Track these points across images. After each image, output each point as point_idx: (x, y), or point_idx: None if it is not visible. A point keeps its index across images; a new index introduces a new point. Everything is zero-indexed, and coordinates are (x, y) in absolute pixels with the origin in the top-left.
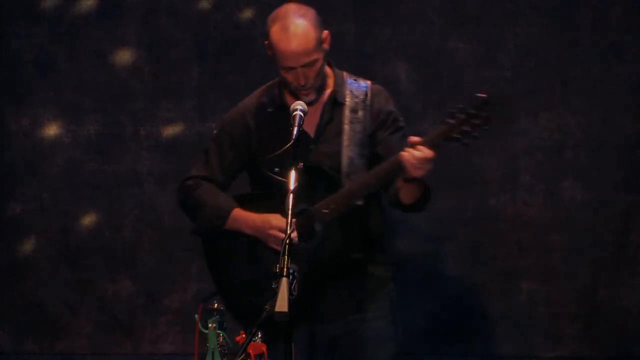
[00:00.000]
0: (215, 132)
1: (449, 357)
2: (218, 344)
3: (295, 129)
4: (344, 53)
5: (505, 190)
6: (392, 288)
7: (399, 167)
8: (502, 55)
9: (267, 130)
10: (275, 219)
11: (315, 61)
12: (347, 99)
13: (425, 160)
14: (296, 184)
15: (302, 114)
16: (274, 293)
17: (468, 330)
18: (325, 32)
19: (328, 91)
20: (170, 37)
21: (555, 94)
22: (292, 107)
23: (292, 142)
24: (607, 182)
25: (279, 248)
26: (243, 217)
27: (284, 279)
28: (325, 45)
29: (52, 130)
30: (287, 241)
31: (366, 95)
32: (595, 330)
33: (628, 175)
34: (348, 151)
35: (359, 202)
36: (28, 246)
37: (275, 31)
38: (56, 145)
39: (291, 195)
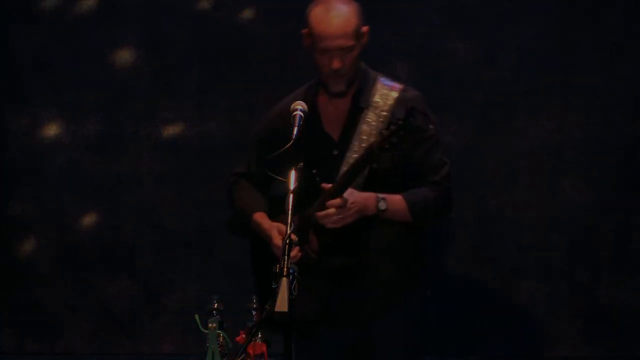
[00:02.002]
0: (255, 130)
1: (449, 357)
2: (218, 344)
3: (295, 129)
4: None
5: (505, 190)
6: (416, 298)
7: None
8: (502, 55)
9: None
10: (275, 234)
11: (352, 48)
12: (376, 99)
13: (334, 216)
14: (296, 184)
15: (302, 114)
16: (274, 293)
17: (468, 330)
18: (365, 27)
19: (353, 93)
20: (170, 37)
21: (555, 94)
22: (292, 107)
23: (291, 142)
24: (607, 182)
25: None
26: (258, 224)
27: (284, 279)
28: (363, 40)
29: (52, 130)
30: (287, 241)
31: (394, 98)
32: (595, 330)
33: (628, 175)
34: (352, 154)
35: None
36: (28, 246)
37: (316, 13)
38: (56, 145)
39: (291, 196)
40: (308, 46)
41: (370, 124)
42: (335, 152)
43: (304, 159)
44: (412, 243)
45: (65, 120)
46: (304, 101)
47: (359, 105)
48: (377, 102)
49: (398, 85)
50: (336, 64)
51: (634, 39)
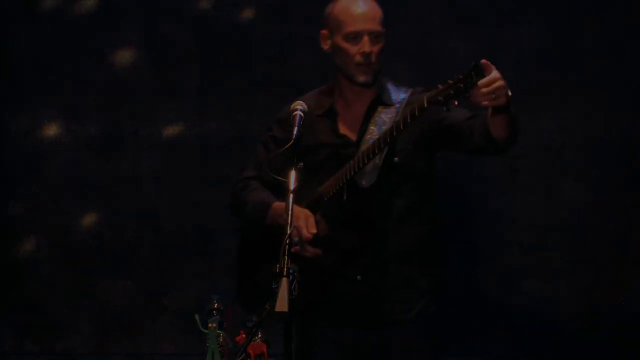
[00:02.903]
0: (264, 132)
1: (449, 357)
2: (218, 344)
3: (295, 129)
4: None
5: (505, 190)
6: (431, 302)
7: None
8: (502, 55)
9: (309, 134)
10: (295, 213)
11: (380, 34)
12: (389, 101)
13: (496, 85)
14: (296, 184)
15: (302, 114)
16: (274, 293)
17: (468, 330)
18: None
19: (372, 93)
20: (170, 37)
21: (555, 94)
22: (292, 107)
23: (291, 142)
24: (607, 182)
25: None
26: (280, 209)
27: (284, 279)
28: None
29: (52, 130)
30: (287, 241)
31: (405, 97)
32: (594, 330)
33: (628, 175)
34: (371, 136)
35: (365, 183)
36: (28, 246)
37: (343, 1)
38: (56, 145)
39: (291, 196)
40: (328, 47)
41: (384, 121)
42: (354, 151)
43: (320, 161)
44: (432, 242)
45: (65, 120)
46: (317, 106)
47: (381, 103)
48: (396, 100)
49: (405, 88)
50: (368, 47)
51: (634, 38)
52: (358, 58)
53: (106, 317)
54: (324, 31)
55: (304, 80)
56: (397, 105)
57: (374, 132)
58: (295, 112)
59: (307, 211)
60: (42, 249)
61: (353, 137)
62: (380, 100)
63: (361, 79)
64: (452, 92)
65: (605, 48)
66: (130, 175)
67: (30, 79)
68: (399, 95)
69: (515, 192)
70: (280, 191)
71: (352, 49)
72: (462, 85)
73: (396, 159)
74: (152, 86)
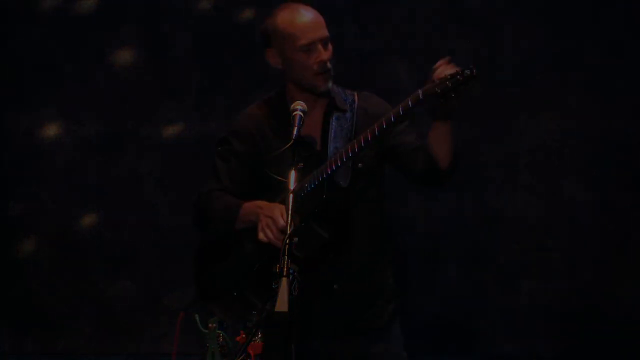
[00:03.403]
0: (218, 147)
1: (449, 357)
2: (218, 344)
3: (295, 129)
4: (344, 53)
5: (505, 190)
6: (397, 306)
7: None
8: (502, 55)
9: (276, 139)
10: (269, 206)
11: (329, 40)
12: (343, 106)
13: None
14: (296, 184)
15: (301, 114)
16: (275, 293)
17: (468, 330)
18: None
19: (324, 98)
20: (170, 37)
21: (555, 94)
22: (292, 107)
23: (291, 142)
24: (607, 182)
25: (263, 236)
26: (251, 207)
27: (284, 279)
28: None
29: (52, 130)
30: (287, 241)
31: (353, 101)
32: (595, 330)
33: (628, 175)
34: (334, 142)
35: (344, 183)
36: (28, 246)
37: (284, 15)
38: (56, 145)
39: (291, 196)
40: (279, 63)
41: (342, 127)
42: (315, 158)
43: (284, 168)
44: (390, 247)
45: (65, 120)
46: (273, 113)
47: (336, 108)
48: (344, 101)
49: (350, 91)
50: (326, 54)
51: (634, 38)
52: (316, 68)
53: (106, 317)
54: (269, 50)
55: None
56: (349, 111)
57: (335, 137)
58: (296, 112)
59: (280, 205)
60: (42, 249)
61: (315, 144)
62: (335, 106)
63: (322, 87)
64: (449, 84)
65: (605, 48)
66: (130, 175)
67: (30, 79)
68: (346, 99)
69: (515, 192)
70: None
71: (308, 59)
72: (460, 78)
73: (360, 164)
74: (152, 86)
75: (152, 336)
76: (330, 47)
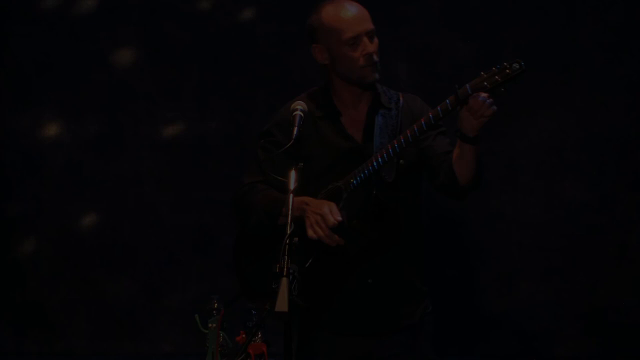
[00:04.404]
0: (261, 140)
1: (449, 357)
2: (218, 344)
3: (295, 129)
4: None
5: (505, 190)
6: (428, 304)
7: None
8: (502, 55)
9: (314, 135)
10: (317, 202)
11: (374, 32)
12: (388, 104)
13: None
14: (296, 184)
15: (302, 114)
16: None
17: (468, 330)
18: None
19: (369, 95)
20: (170, 37)
21: (555, 94)
22: (292, 107)
23: (291, 142)
24: (607, 182)
25: (313, 233)
26: (295, 201)
27: (284, 279)
28: None
29: (52, 130)
30: (287, 241)
31: (399, 100)
32: (595, 330)
33: (628, 175)
34: (380, 138)
35: (389, 178)
36: (28, 246)
37: (329, 10)
38: (56, 145)
39: (291, 196)
40: (325, 59)
41: (388, 123)
42: (358, 153)
43: (328, 161)
44: (423, 244)
45: (65, 120)
46: (316, 107)
47: (381, 105)
48: (389, 103)
49: (394, 92)
50: (372, 47)
51: (634, 38)
52: (362, 61)
53: (106, 317)
54: (315, 45)
55: (304, 80)
56: (394, 109)
57: (381, 132)
58: (296, 113)
59: (329, 201)
60: (42, 249)
61: (358, 138)
62: (380, 103)
63: (369, 79)
64: (498, 78)
65: (605, 48)
66: (130, 175)
67: (30, 79)
68: (391, 98)
69: (515, 192)
70: (307, 192)
71: (355, 53)
72: (509, 72)
73: (402, 161)
74: (152, 86)
75: (152, 336)
76: (376, 40)
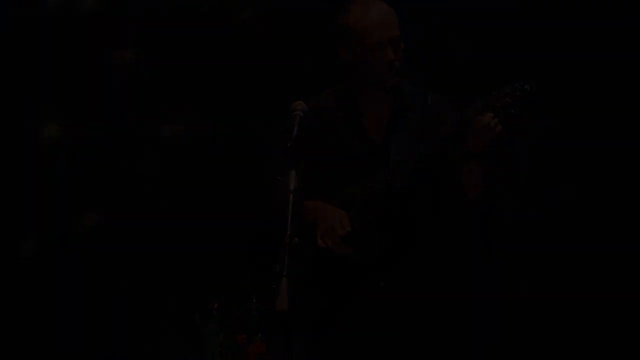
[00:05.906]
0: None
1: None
2: (218, 344)
3: (295, 129)
4: None
5: (505, 190)
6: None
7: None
8: (502, 55)
9: (332, 133)
10: (327, 211)
11: (399, 39)
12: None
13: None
14: (296, 184)
15: (302, 114)
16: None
17: (468, 330)
18: None
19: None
20: (171, 37)
21: (555, 94)
22: (292, 107)
23: (291, 142)
24: (607, 182)
25: (322, 243)
26: (307, 205)
27: (284, 279)
28: None
29: (52, 130)
30: (287, 241)
31: (425, 100)
32: (595, 330)
33: (628, 175)
34: (398, 140)
35: (402, 187)
36: (28, 246)
37: (356, 11)
38: (56, 145)
39: (291, 196)
40: (349, 60)
41: (409, 125)
42: (374, 156)
43: (342, 163)
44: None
45: (65, 120)
46: (339, 106)
47: (404, 106)
48: (413, 104)
49: (423, 90)
50: (395, 54)
51: (634, 38)
52: (384, 67)
53: (106, 317)
54: (340, 44)
55: (304, 80)
56: (418, 110)
57: (400, 135)
58: (296, 113)
59: (340, 210)
60: (42, 249)
61: (378, 140)
62: (402, 103)
63: (390, 84)
64: (508, 99)
65: (605, 48)
66: (130, 175)
67: (30, 79)
68: (416, 97)
69: (515, 192)
70: (321, 192)
71: (376, 59)
72: (519, 94)
73: (417, 168)
74: (152, 86)
75: (152, 336)
76: (401, 45)
